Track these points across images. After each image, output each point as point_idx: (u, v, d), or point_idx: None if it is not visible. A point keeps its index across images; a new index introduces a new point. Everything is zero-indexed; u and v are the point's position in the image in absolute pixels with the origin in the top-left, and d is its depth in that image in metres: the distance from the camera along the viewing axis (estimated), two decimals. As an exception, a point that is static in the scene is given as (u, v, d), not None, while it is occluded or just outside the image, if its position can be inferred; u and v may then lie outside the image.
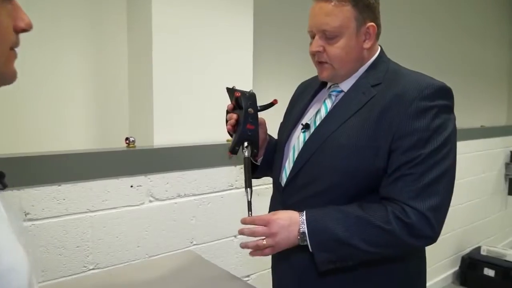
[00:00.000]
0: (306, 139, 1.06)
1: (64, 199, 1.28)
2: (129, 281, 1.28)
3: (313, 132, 1.05)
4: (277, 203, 1.12)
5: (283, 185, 1.09)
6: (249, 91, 1.11)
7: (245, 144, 1.10)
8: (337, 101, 1.06)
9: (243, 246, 0.99)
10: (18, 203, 1.19)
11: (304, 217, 0.97)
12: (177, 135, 1.59)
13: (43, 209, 1.24)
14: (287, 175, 1.08)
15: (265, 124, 1.17)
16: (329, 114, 1.04)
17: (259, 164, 1.20)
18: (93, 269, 1.36)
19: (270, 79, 2.08)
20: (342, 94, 1.06)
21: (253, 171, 1.21)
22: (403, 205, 0.93)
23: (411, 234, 0.92)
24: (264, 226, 0.98)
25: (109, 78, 1.62)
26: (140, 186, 1.44)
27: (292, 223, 0.97)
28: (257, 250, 0.98)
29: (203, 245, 1.65)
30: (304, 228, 0.96)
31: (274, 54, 2.08)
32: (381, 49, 1.07)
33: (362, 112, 0.99)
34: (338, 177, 0.98)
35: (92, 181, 1.33)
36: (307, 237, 0.95)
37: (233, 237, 1.74)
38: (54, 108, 1.50)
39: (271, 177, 1.18)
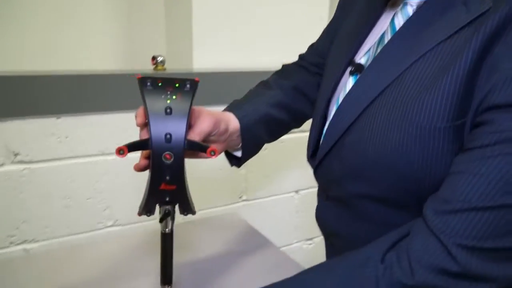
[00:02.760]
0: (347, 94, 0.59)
1: (66, 137, 0.95)
2: (152, 251, 0.98)
3: (357, 82, 0.57)
4: (319, 190, 0.71)
5: (314, 166, 0.66)
6: (182, 87, 0.56)
7: (163, 209, 0.56)
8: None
9: None
10: (1, 140, 0.89)
11: None
12: (223, 57, 1.18)
13: (39, 149, 0.93)
14: (319, 152, 0.63)
15: (207, 114, 0.62)
16: (389, 45, 0.54)
17: (240, 155, 0.72)
18: (111, 226, 1.06)
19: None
20: None
21: (232, 162, 0.75)
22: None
23: None
24: None
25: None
26: (171, 123, 1.07)
27: None
28: None
29: (256, 201, 1.29)
30: None
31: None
32: None
33: (450, 44, 0.46)
34: (393, 180, 0.50)
35: (105, 113, 0.98)
36: None
37: (293, 193, 1.35)
38: (77, 21, 1.15)
39: None
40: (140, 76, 0.56)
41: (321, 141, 0.64)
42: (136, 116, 0.57)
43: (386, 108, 0.51)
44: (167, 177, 0.53)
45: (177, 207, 0.57)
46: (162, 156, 0.53)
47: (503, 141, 0.40)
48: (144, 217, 0.62)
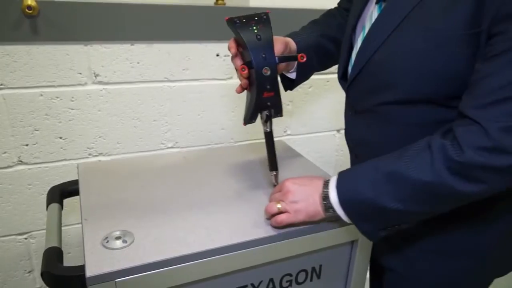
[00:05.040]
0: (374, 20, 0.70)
1: (138, 63, 1.06)
2: (208, 163, 1.10)
3: (383, 9, 0.68)
4: (347, 108, 0.83)
5: (347, 84, 0.78)
6: (260, 19, 0.72)
7: (264, 114, 0.76)
8: None
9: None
10: (86, 61, 1.01)
11: (335, 178, 0.69)
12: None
13: (114, 72, 1.04)
14: (350, 73, 0.75)
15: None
16: None
17: (294, 77, 0.87)
18: (171, 147, 1.19)
19: None
20: None
21: (286, 86, 0.91)
22: (459, 126, 0.58)
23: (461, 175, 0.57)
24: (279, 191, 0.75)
25: None
26: (228, 56, 1.16)
27: (314, 182, 0.71)
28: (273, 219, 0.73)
29: (299, 136, 1.39)
30: (331, 188, 0.68)
31: None
32: None
33: None
34: (416, 83, 0.64)
35: (170, 43, 1.07)
36: (337, 198, 0.67)
37: (335, 132, 1.44)
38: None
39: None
40: (227, 18, 0.73)
41: (351, 64, 0.76)
42: (229, 48, 0.75)
43: (413, 26, 0.62)
44: (268, 86, 0.72)
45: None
46: (262, 71, 0.70)
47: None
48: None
